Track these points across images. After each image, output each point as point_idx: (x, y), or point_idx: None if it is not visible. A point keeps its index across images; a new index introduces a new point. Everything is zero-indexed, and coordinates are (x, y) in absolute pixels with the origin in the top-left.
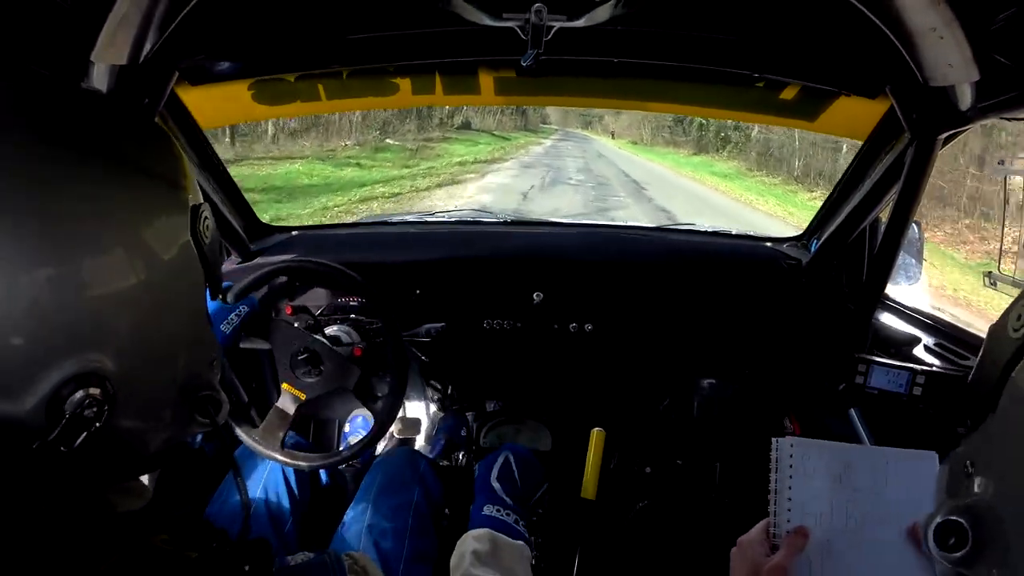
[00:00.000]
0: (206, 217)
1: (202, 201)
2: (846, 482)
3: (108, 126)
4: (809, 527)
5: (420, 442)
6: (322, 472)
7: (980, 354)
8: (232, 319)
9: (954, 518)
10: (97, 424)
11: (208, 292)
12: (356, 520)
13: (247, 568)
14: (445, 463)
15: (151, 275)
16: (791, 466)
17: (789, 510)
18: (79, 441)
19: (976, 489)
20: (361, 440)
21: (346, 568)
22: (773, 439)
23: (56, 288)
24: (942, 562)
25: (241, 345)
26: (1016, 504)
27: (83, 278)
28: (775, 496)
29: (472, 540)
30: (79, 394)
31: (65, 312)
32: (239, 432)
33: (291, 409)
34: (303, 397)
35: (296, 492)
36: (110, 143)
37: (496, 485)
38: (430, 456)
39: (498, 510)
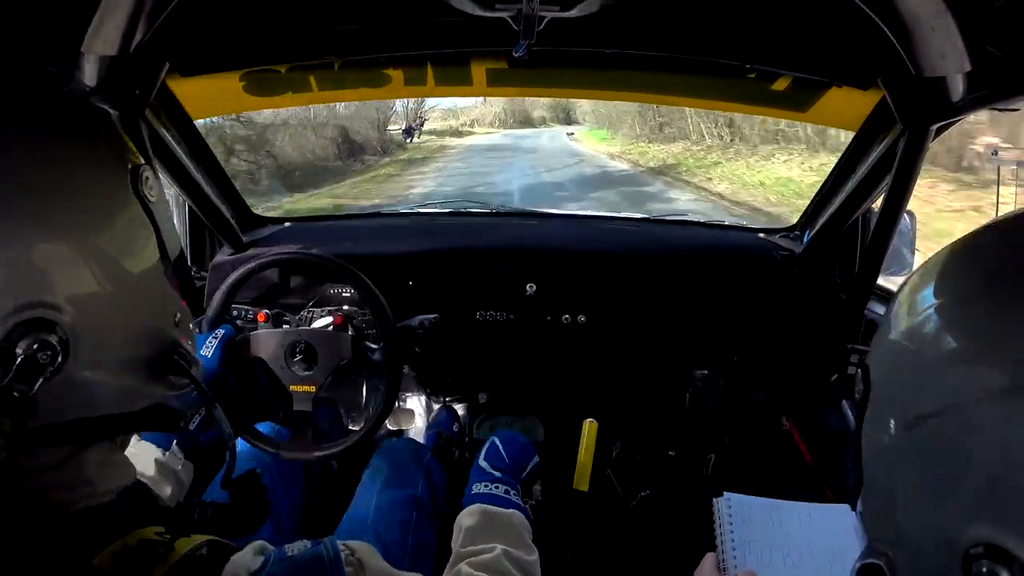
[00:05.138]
0: (147, 177)
1: (143, 163)
2: (777, 525)
3: (33, 94)
4: (752, 566)
5: (412, 433)
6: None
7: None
8: (210, 342)
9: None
10: (51, 369)
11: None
12: (362, 511)
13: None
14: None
15: (96, 233)
16: (731, 513)
17: (735, 550)
18: (37, 386)
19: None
20: (362, 428)
21: (343, 561)
22: (713, 499)
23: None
24: None
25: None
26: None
27: (28, 237)
28: (721, 539)
29: (464, 517)
30: (29, 339)
31: (9, 266)
32: (270, 450)
33: (308, 407)
34: (314, 390)
35: (290, 481)
36: (39, 110)
37: (484, 464)
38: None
39: (486, 485)
